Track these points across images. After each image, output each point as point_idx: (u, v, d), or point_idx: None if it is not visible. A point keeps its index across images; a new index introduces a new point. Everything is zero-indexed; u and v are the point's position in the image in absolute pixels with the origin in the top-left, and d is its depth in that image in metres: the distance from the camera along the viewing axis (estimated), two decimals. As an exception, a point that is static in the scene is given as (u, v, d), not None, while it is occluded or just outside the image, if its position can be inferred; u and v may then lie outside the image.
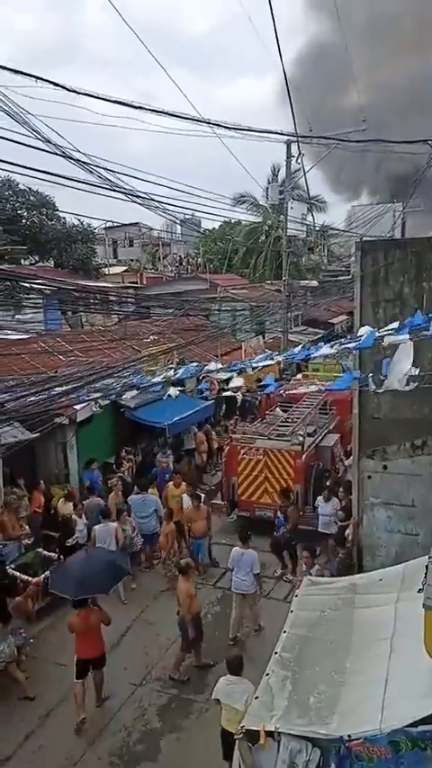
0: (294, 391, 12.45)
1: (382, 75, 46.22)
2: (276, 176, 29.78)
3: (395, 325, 4.09)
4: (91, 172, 10.25)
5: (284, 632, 5.95)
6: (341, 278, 35.37)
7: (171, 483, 12.64)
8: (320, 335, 31.05)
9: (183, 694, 8.34)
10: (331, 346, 4.60)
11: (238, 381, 4.69)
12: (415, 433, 9.68)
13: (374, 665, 5.16)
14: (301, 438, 12.88)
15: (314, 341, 29.46)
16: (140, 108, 9.89)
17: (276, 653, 5.67)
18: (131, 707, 8.11)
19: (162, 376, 5.20)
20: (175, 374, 5.23)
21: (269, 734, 4.56)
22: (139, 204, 12.12)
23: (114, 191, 10.58)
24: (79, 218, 29.41)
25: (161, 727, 7.77)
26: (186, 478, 12.92)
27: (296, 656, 5.61)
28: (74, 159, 9.47)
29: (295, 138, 15.41)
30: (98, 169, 10.46)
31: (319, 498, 11.61)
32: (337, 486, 12.57)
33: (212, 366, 5.25)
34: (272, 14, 7.15)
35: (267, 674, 5.37)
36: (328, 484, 13.10)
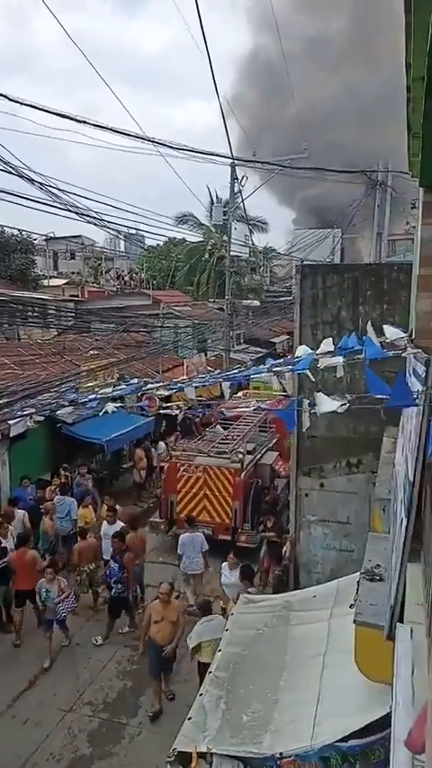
0: (235, 411, 12.52)
1: (321, 91, 48.16)
2: (219, 199, 30.22)
3: (330, 347, 4.20)
4: (32, 182, 10.10)
5: (219, 651, 5.93)
6: (282, 299, 36.17)
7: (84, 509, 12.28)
8: (262, 354, 31.56)
9: (114, 718, 8.11)
10: (269, 369, 4.65)
11: (191, 393, 4.69)
12: (351, 451, 9.96)
13: (308, 682, 5.21)
14: (240, 455, 12.97)
15: (256, 360, 29.93)
16: (84, 122, 9.86)
17: (210, 672, 5.63)
18: (60, 734, 7.81)
19: (100, 392, 5.12)
20: (113, 390, 5.17)
21: (201, 755, 4.51)
22: (79, 220, 12.00)
23: (53, 206, 10.45)
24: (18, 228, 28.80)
25: (91, 753, 7.52)
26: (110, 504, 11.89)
27: (230, 674, 5.58)
28: (13, 169, 9.30)
29: (239, 162, 15.75)
30: (39, 181, 10.32)
31: (224, 565, 9.70)
32: (274, 506, 12.73)
33: (153, 383, 5.24)
34: (206, 44, 7.30)
35: (201, 694, 5.31)
36: (266, 500, 13.26)
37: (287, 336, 34.26)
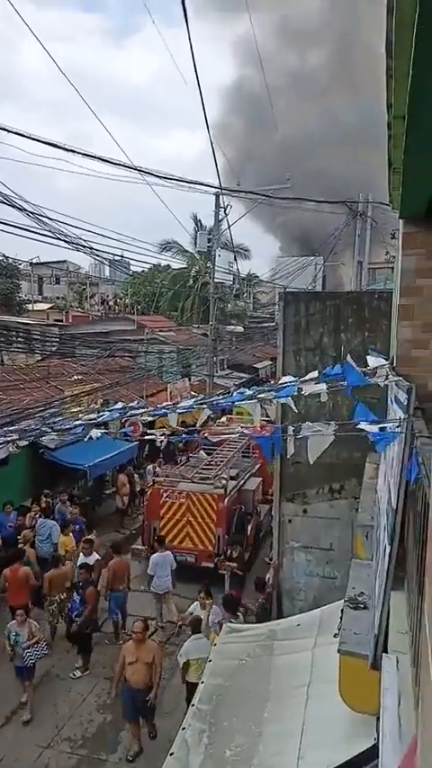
0: (218, 437, 12.51)
1: (304, 122, 49.45)
2: (203, 226, 30.60)
3: (314, 374, 4.25)
4: (21, 210, 10.16)
5: (202, 683, 5.82)
6: (265, 324, 36.49)
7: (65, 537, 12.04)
8: (245, 380, 31.68)
9: (93, 754, 7.88)
10: (252, 396, 4.68)
11: (173, 420, 4.69)
12: (334, 477, 9.99)
13: (292, 714, 5.12)
14: (224, 481, 12.92)
15: (239, 385, 29.99)
16: (72, 151, 9.99)
17: (193, 705, 5.51)
18: (38, 771, 7.56)
19: (85, 418, 5.10)
20: (97, 416, 5.15)
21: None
22: (67, 247, 12.07)
23: (40, 233, 10.51)
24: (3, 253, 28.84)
25: (70, 792, 7.29)
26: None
27: (213, 707, 5.48)
28: (1, 196, 9.35)
29: (222, 191, 16.03)
30: (28, 209, 10.39)
31: (195, 605, 9.32)
32: (258, 531, 12.68)
33: (137, 409, 5.24)
34: (196, 75, 7.49)
35: (184, 728, 5.20)
36: (249, 527, 13.18)
37: (270, 362, 34.50)
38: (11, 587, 9.98)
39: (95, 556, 10.88)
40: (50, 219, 11.24)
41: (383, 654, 3.12)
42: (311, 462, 4.21)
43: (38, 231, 10.40)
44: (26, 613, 8.71)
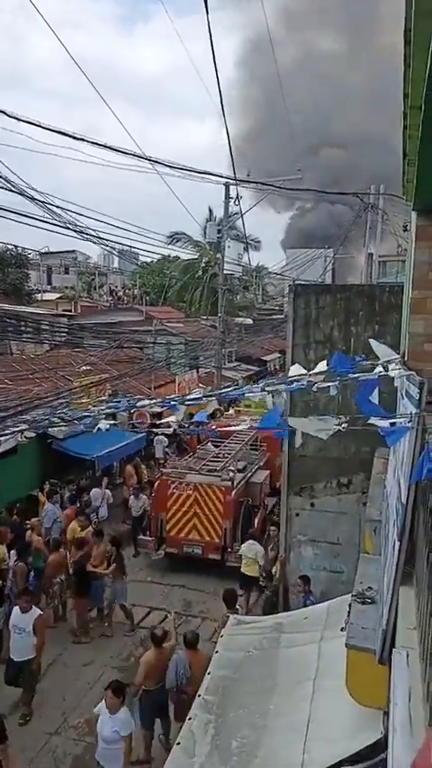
0: (225, 428, 12.50)
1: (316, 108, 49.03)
2: (212, 218, 30.46)
3: (323, 366, 4.21)
4: (33, 200, 10.15)
5: (209, 674, 5.84)
6: (274, 316, 36.38)
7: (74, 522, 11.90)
8: (253, 372, 31.64)
9: (101, 742, 7.92)
10: (262, 389, 4.66)
11: (171, 417, 4.67)
12: (341, 471, 9.96)
13: (298, 707, 5.13)
14: (231, 474, 12.92)
15: (247, 377, 29.97)
16: (82, 140, 9.95)
17: (200, 696, 5.54)
18: (45, 758, 7.63)
19: (93, 409, 5.10)
20: (106, 407, 5.15)
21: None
22: (77, 237, 12.06)
23: (52, 223, 10.49)
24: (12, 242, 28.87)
25: (76, 778, 7.35)
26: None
27: (220, 698, 5.50)
28: (13, 186, 9.34)
29: (232, 182, 15.93)
30: (39, 199, 10.38)
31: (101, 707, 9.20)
32: (268, 523, 12.68)
33: (144, 401, 5.23)
34: (215, 67, 7.42)
35: (190, 719, 5.23)
36: (256, 520, 13.19)
37: (279, 354, 34.42)
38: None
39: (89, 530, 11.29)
40: (60, 209, 11.24)
41: (393, 649, 3.10)
42: (319, 436, 4.10)
43: (47, 221, 10.38)
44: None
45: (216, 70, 7.11)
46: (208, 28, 5.90)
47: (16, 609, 8.39)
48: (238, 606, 8.99)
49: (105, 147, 10.22)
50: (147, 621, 10.72)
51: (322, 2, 57.19)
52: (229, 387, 8.97)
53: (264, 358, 35.12)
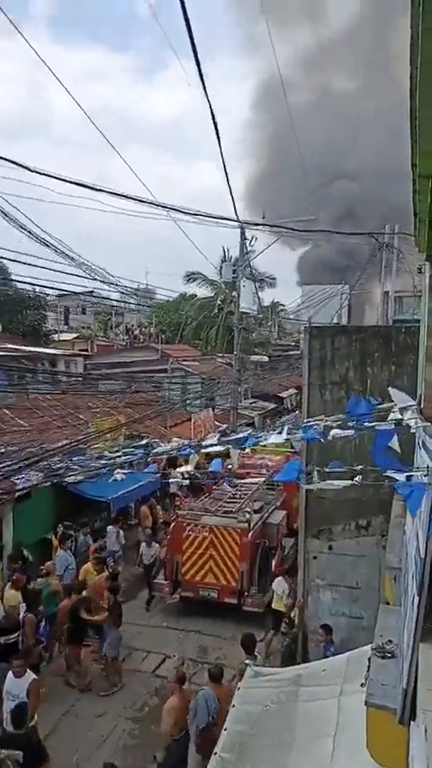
0: (241, 480, 12.48)
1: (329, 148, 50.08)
2: (229, 257, 30.97)
3: (339, 417, 4.21)
4: (55, 249, 10.45)
5: (225, 730, 5.68)
6: (291, 352, 36.46)
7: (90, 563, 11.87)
8: (270, 409, 31.57)
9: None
10: (279, 433, 4.67)
11: (186, 467, 4.68)
12: (360, 513, 9.80)
13: (317, 764, 4.96)
14: (248, 515, 12.77)
15: (263, 414, 29.90)
16: (100, 190, 10.26)
17: (216, 753, 5.37)
18: None
19: (108, 458, 5.14)
20: (121, 455, 5.18)
21: None
22: (97, 279, 12.36)
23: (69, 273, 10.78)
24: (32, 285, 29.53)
25: None
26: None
27: (237, 755, 5.33)
28: (34, 236, 9.64)
29: (247, 225, 16.28)
30: (58, 247, 10.69)
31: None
32: (284, 566, 12.48)
33: (160, 448, 5.25)
34: (214, 121, 7.66)
35: (207, 778, 5.07)
36: (273, 562, 12.96)
37: (295, 391, 34.36)
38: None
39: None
40: (79, 256, 11.55)
41: (411, 722, 3.00)
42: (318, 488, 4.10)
43: (65, 269, 10.67)
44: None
45: (214, 121, 7.28)
46: (201, 81, 6.09)
47: (10, 674, 7.77)
48: (257, 653, 8.79)
49: (122, 195, 10.54)
50: (162, 669, 10.48)
51: (332, 42, 59.16)
52: (245, 423, 8.91)
53: (280, 394, 35.07)
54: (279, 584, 11.36)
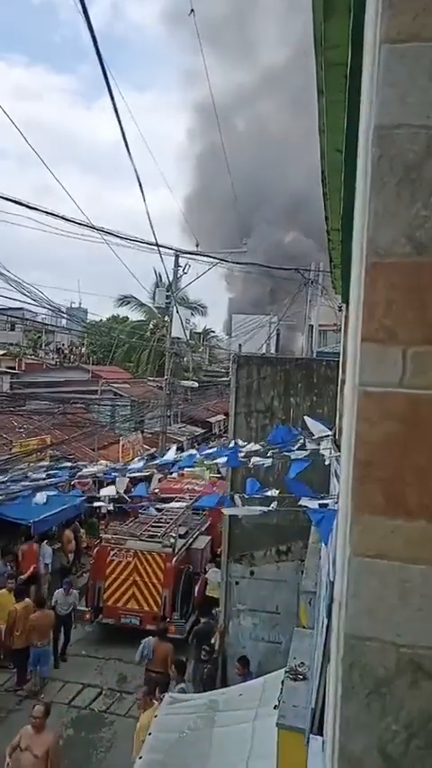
0: (166, 505, 12.51)
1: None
2: (160, 282, 31.25)
3: (256, 446, 4.41)
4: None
5: (140, 758, 5.64)
6: (221, 379, 36.95)
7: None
8: (198, 434, 31.73)
9: None
10: (203, 460, 4.82)
11: (110, 490, 4.71)
12: (281, 538, 10.06)
13: (230, 791, 5.02)
14: (172, 539, 12.75)
15: (192, 438, 30.02)
16: (35, 209, 10.25)
17: (130, 783, 5.33)
18: None
19: (33, 478, 5.09)
20: (45, 478, 5.14)
21: None
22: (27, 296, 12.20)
23: None
24: None
25: None
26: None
27: (150, 785, 5.31)
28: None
29: (181, 253, 16.61)
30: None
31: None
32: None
33: (85, 470, 5.26)
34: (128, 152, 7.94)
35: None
36: (197, 588, 12.97)
37: (224, 416, 34.75)
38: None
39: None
40: (8, 271, 11.38)
41: (311, 735, 3.16)
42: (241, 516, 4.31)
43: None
44: None
45: (129, 154, 7.78)
46: (115, 111, 6.43)
47: None
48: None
49: (59, 216, 10.57)
50: (78, 699, 10.20)
51: (266, 75, 61.96)
52: (173, 448, 9.04)
53: (209, 420, 35.35)
54: (214, 574, 12.13)
